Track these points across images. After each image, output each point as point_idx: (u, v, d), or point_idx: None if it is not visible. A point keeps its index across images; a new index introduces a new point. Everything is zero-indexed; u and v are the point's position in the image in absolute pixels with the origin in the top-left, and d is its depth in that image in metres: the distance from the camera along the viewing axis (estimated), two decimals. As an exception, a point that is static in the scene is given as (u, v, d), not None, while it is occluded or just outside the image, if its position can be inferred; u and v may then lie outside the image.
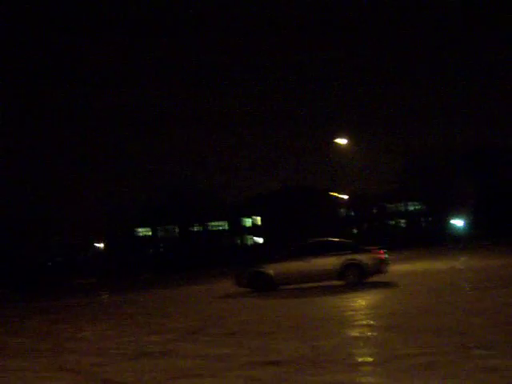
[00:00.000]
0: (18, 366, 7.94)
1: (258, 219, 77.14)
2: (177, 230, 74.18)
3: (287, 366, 6.31)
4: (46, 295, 29.54)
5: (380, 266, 16.78)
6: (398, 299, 12.68)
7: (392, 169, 70.20)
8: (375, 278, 16.87)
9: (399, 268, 22.60)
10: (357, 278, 16.49)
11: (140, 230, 75.51)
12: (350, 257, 16.73)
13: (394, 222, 74.74)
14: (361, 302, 12.87)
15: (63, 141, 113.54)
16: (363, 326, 9.11)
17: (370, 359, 6.55)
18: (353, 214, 74.30)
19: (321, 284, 17.06)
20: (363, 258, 16.73)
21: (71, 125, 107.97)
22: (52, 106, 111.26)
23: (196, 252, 64.47)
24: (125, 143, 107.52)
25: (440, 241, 51.30)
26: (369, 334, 8.33)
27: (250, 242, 77.04)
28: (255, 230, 76.61)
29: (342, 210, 72.66)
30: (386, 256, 17.39)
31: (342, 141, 28.10)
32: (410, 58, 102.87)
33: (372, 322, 9.42)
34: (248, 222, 78.61)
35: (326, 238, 18.55)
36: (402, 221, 75.00)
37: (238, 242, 75.76)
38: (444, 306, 10.55)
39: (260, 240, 75.19)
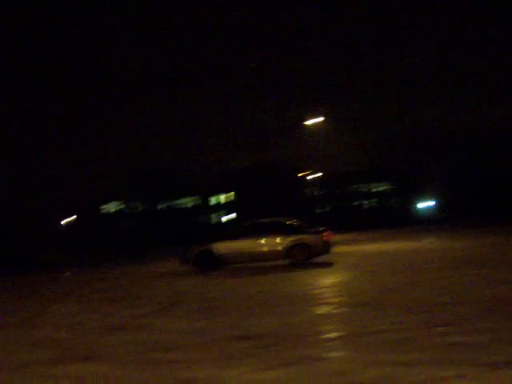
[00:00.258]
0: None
1: (232, 195, 76.90)
2: (142, 206, 73.63)
3: (260, 341, 6.53)
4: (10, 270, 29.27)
5: (325, 247, 17.42)
6: (358, 279, 12.89)
7: (363, 148, 69.69)
8: (320, 258, 17.52)
9: (359, 248, 23.21)
10: (303, 258, 17.01)
11: (107, 206, 74.79)
12: (296, 237, 17.21)
13: (360, 203, 75.20)
14: (324, 280, 13.11)
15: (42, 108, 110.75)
16: (331, 303, 9.35)
17: (339, 335, 6.81)
18: (320, 193, 74.50)
19: (266, 264, 17.46)
20: (309, 238, 17.25)
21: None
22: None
23: (157, 230, 63.93)
24: (99, 117, 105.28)
25: (406, 222, 51.96)
26: (336, 310, 8.59)
27: (216, 220, 76.70)
28: (229, 207, 76.40)
29: (310, 190, 72.87)
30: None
31: (316, 119, 27.95)
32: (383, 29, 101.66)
33: (339, 300, 9.68)
34: (221, 198, 78.32)
35: (273, 218, 19.08)
36: (368, 201, 75.50)
37: (205, 219, 75.28)
38: (409, 285, 10.82)
39: (233, 216, 74.92)
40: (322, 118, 27.82)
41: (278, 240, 17.19)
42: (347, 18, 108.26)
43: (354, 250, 22.45)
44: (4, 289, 17.43)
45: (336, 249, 20.29)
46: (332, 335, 6.79)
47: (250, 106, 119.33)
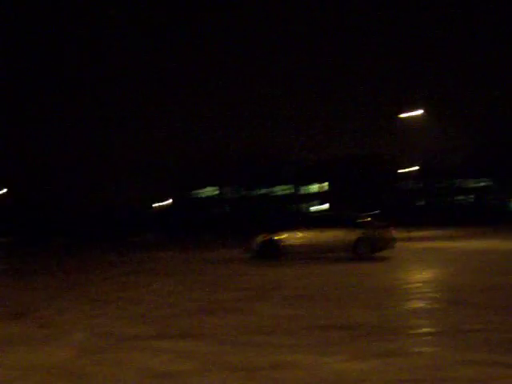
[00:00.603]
0: (98, 311, 8.69)
1: (326, 185, 76.59)
2: (242, 191, 74.71)
3: (353, 331, 6.72)
4: (113, 250, 30.62)
5: (389, 242, 17.59)
6: (450, 275, 12.79)
7: (465, 143, 67.54)
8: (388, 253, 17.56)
9: (448, 245, 22.72)
10: (366, 252, 17.10)
11: (205, 190, 76.45)
12: (361, 231, 17.39)
13: (459, 198, 73.03)
14: (413, 275, 13.19)
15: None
16: (425, 298, 9.40)
17: (432, 330, 6.88)
18: (417, 186, 72.80)
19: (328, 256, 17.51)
20: (373, 233, 17.51)
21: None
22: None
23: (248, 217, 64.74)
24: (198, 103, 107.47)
25: (503, 220, 50.03)
26: (430, 306, 8.65)
27: (309, 209, 76.52)
28: (321, 196, 76.19)
29: (407, 182, 71.38)
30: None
31: (414, 112, 27.46)
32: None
33: (432, 295, 9.73)
34: (314, 187, 78.11)
35: (341, 211, 20.09)
36: (465, 197, 73.21)
37: (295, 208, 75.34)
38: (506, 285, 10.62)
39: (326, 206, 74.68)
40: (420, 111, 27.37)
41: (342, 233, 17.26)
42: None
43: (444, 247, 22.00)
44: (111, 266, 18.25)
45: (421, 244, 20.12)
46: (425, 330, 6.88)
47: (348, 95, 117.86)
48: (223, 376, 5.07)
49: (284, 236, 17.66)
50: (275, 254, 17.41)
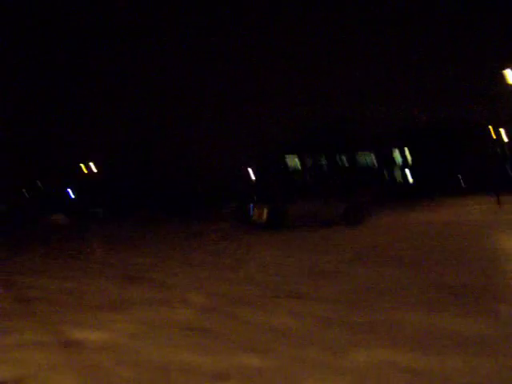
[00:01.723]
0: (207, 275, 9.16)
1: (406, 151, 75.20)
2: (324, 159, 74.49)
3: (457, 290, 6.85)
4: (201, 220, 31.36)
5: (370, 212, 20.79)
6: None
7: None
8: None
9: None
10: (355, 220, 19.62)
11: (287, 156, 76.54)
12: (349, 201, 20.52)
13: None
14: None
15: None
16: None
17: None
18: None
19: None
20: (358, 204, 20.58)
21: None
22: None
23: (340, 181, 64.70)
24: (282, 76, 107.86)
25: None
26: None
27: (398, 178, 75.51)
28: (403, 164, 75.03)
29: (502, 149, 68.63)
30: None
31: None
32: None
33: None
34: (396, 155, 76.82)
35: (334, 185, 23.56)
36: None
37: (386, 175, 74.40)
38: None
39: (408, 173, 73.61)
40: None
41: (334, 204, 19.96)
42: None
43: None
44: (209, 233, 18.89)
45: None
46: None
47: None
48: (340, 331, 5.35)
49: (290, 205, 19.65)
50: (281, 222, 19.23)
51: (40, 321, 6.33)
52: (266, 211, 19.19)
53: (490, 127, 58.92)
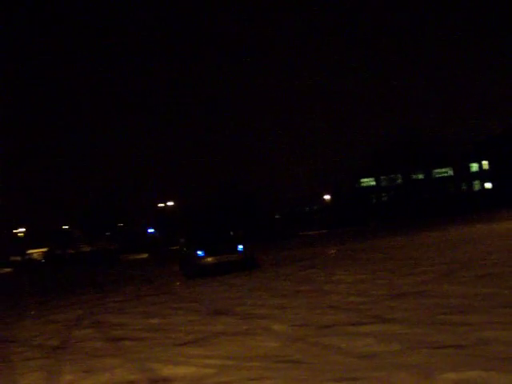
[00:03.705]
0: (289, 304, 9.09)
1: (485, 163, 72.91)
2: (399, 178, 73.23)
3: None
4: (282, 246, 31.40)
5: None
6: None
7: None
8: None
9: None
10: None
11: (364, 180, 75.78)
12: None
13: None
14: None
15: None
16: None
17: None
18: None
19: None
20: None
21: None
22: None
23: (419, 200, 63.54)
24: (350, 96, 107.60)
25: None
26: None
27: (477, 188, 73.31)
28: (482, 175, 72.74)
29: None
30: None
31: None
32: None
33: None
34: (474, 167, 74.59)
35: None
36: None
37: (464, 188, 72.39)
38: None
39: (489, 185, 71.34)
40: None
41: None
42: None
43: None
44: (291, 260, 18.83)
45: None
46: None
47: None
48: (426, 354, 5.18)
49: None
50: None
51: (129, 359, 6.45)
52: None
53: None
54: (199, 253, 15.44)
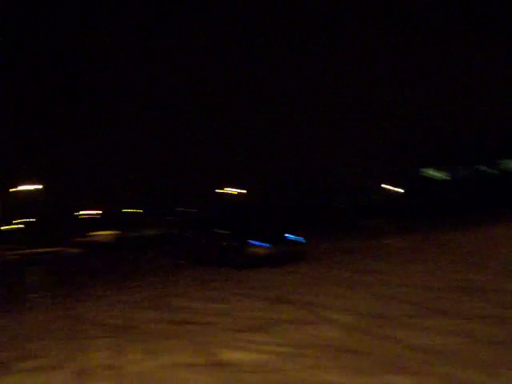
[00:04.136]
0: (351, 294, 9.04)
1: None
2: (466, 169, 71.15)
3: None
4: (346, 236, 31.14)
5: None
6: None
7: None
8: None
9: None
10: None
11: (427, 170, 74.02)
12: None
13: None
14: None
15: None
16: None
17: None
18: None
19: None
20: None
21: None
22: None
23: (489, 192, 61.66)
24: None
25: None
26: None
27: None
28: None
29: None
30: None
31: None
32: None
33: None
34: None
35: None
36: None
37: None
38: None
39: None
40: None
41: None
42: None
43: None
44: (344, 252, 18.67)
45: None
46: None
47: None
48: (493, 351, 5.06)
49: None
50: None
51: (192, 342, 6.56)
52: None
53: None
54: (254, 242, 15.18)
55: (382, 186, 75.69)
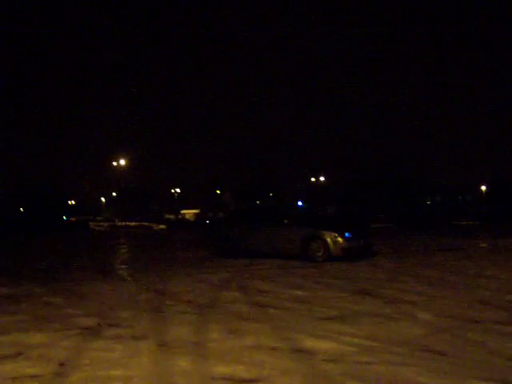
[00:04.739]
0: (436, 293, 8.84)
1: None
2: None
3: None
4: (431, 233, 30.46)
5: None
6: None
7: None
8: None
9: None
10: None
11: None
12: None
13: None
14: None
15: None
16: None
17: None
18: None
19: None
20: None
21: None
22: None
23: None
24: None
25: None
26: None
27: None
28: None
29: None
30: None
31: None
32: None
33: None
34: None
35: None
36: None
37: None
38: None
39: None
40: None
41: None
42: None
43: None
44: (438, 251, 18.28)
45: None
46: None
47: None
48: None
49: None
50: None
51: (273, 326, 6.64)
52: None
53: None
54: (348, 235, 14.97)
55: (479, 187, 73.31)
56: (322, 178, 73.20)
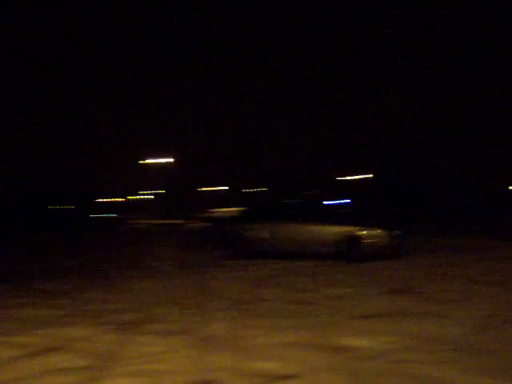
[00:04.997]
0: (474, 292, 8.74)
1: None
2: None
3: None
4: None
5: None
6: None
7: None
8: None
9: None
10: None
11: None
12: None
13: None
14: None
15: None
16: None
17: None
18: None
19: None
20: None
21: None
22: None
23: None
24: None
25: None
26: None
27: None
28: None
29: None
30: None
31: None
32: None
33: None
34: None
35: None
36: None
37: None
38: None
39: None
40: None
41: None
42: None
43: None
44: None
45: None
46: None
47: None
48: None
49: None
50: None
51: (312, 323, 6.69)
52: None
53: None
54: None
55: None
56: (364, 175, 72.21)
